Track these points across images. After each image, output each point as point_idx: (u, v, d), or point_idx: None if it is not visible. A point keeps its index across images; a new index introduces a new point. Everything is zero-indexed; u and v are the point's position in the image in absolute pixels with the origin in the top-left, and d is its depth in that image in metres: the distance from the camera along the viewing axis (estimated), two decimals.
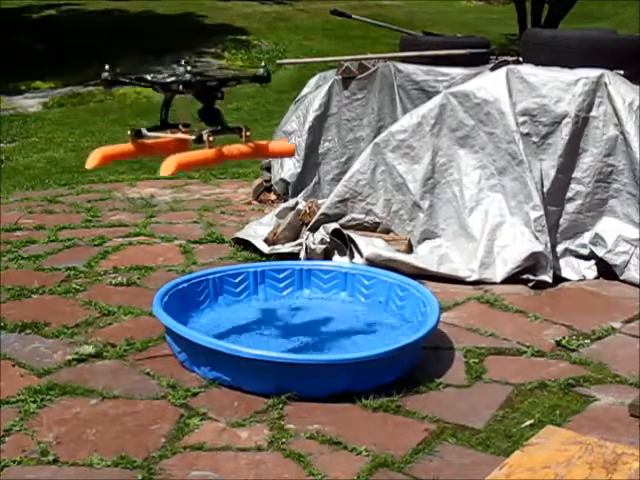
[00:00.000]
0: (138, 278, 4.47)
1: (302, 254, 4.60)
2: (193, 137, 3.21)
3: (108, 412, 3.09)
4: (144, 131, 3.30)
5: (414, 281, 3.98)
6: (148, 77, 3.25)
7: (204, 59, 13.58)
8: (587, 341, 3.76)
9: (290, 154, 3.54)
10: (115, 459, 2.77)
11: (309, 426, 2.99)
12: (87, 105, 11.15)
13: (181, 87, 3.19)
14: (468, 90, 4.74)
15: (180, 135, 3.33)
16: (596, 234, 4.60)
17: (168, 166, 3.08)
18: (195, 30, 15.21)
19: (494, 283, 4.43)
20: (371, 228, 4.85)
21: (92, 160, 3.25)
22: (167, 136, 3.34)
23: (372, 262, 4.46)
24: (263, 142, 3.44)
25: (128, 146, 3.35)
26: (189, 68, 3.20)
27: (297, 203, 5.18)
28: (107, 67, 3.26)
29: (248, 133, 3.27)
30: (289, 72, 12.78)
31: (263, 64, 3.54)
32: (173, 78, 3.20)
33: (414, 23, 14.71)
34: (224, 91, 3.28)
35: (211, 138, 3.15)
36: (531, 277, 4.43)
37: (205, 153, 3.17)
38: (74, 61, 12.59)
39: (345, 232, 4.68)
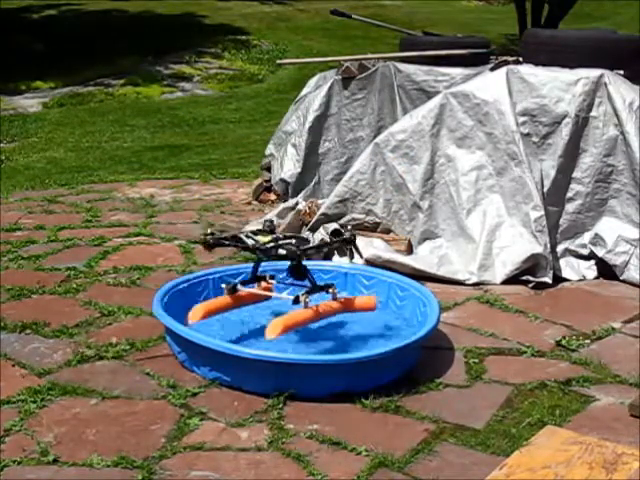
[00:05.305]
0: (138, 278, 4.47)
1: None
2: (292, 297, 3.49)
3: (108, 412, 3.09)
4: (239, 286, 3.69)
5: (414, 281, 3.98)
6: (244, 239, 3.73)
7: (204, 59, 13.57)
8: (587, 341, 3.76)
9: (372, 308, 3.80)
10: (115, 459, 2.77)
11: (309, 426, 2.99)
12: (87, 105, 11.15)
13: (279, 251, 3.61)
14: (468, 90, 4.73)
15: (267, 286, 3.72)
16: (596, 234, 4.60)
17: (275, 328, 3.36)
18: (195, 30, 15.21)
19: (494, 284, 4.43)
20: (371, 228, 4.85)
21: (195, 315, 3.54)
22: (260, 292, 3.73)
23: (372, 263, 4.45)
24: (349, 297, 3.76)
25: (225, 299, 3.68)
26: (288, 242, 3.64)
27: (297, 203, 5.18)
28: (209, 231, 3.76)
29: (336, 290, 3.62)
30: (289, 72, 12.79)
31: (349, 228, 4.04)
32: (273, 244, 3.62)
33: (414, 23, 14.73)
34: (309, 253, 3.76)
35: (307, 299, 3.46)
36: (531, 278, 4.42)
37: (305, 314, 3.48)
38: (74, 61, 12.59)
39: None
